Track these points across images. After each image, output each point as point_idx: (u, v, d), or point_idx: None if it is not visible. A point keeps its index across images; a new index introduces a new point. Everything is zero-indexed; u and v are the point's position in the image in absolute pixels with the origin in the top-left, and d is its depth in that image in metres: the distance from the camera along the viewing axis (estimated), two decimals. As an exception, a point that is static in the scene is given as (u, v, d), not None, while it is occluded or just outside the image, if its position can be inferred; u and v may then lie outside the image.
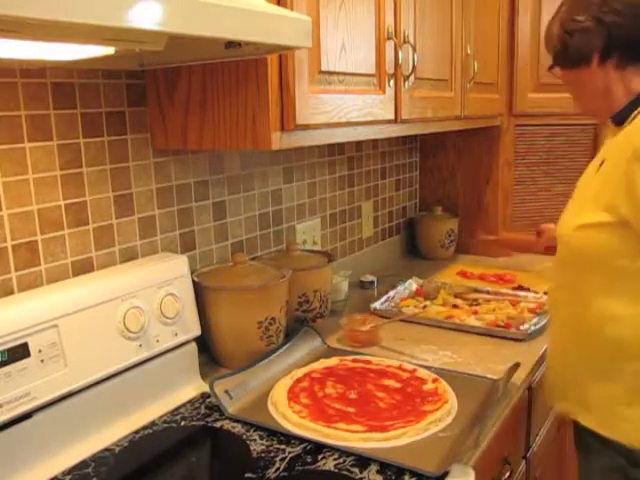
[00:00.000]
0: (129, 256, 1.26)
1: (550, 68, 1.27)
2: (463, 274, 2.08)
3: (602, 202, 1.10)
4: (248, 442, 1.05)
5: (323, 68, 1.17)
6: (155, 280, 1.18)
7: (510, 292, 1.83)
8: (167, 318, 1.19)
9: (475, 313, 1.65)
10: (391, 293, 1.79)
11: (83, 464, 1.01)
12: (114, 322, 1.10)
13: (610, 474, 1.17)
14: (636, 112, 1.14)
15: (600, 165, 1.15)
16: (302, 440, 1.05)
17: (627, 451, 1.12)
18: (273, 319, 1.33)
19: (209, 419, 1.14)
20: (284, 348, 1.36)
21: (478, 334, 1.53)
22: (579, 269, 1.16)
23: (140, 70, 1.22)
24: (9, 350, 0.94)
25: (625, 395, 1.13)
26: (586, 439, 1.21)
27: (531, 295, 1.78)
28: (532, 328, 1.51)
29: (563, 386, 1.25)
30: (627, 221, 1.06)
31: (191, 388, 1.25)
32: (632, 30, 1.12)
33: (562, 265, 1.23)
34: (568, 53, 1.20)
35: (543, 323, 1.55)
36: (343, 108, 1.23)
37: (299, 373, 1.27)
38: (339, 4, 1.20)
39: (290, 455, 1.01)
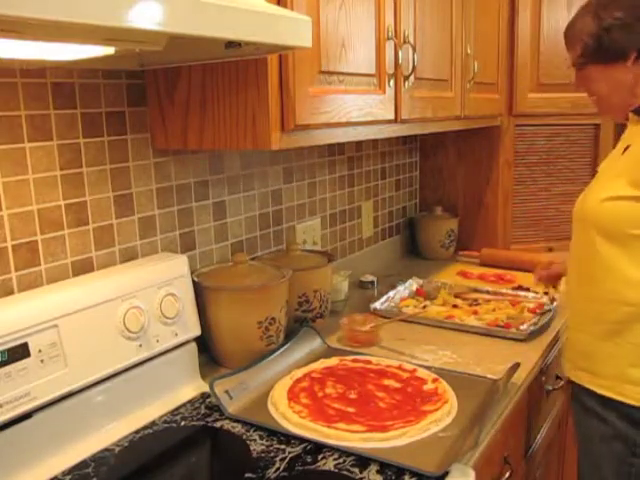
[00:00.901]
0: (129, 256, 1.26)
1: (577, 64, 1.28)
2: (463, 274, 2.08)
3: (630, 178, 1.16)
4: (248, 442, 1.05)
5: (323, 68, 1.17)
6: (155, 280, 1.18)
7: (510, 292, 1.83)
8: (167, 318, 1.19)
9: (475, 313, 1.65)
10: (391, 293, 1.79)
11: (83, 464, 1.01)
12: (114, 322, 1.10)
13: (610, 442, 1.24)
14: None
15: (625, 149, 1.22)
16: (302, 440, 1.05)
17: (629, 411, 1.20)
18: (273, 319, 1.33)
19: (209, 419, 1.14)
20: (284, 348, 1.36)
21: (478, 334, 1.53)
22: (603, 239, 1.21)
23: (140, 70, 1.22)
24: (9, 350, 0.94)
25: (631, 356, 1.20)
26: (588, 403, 1.28)
27: (531, 295, 1.78)
28: (532, 328, 1.51)
29: (576, 355, 1.32)
30: None
31: (191, 388, 1.25)
32: None
33: (583, 238, 1.27)
34: (604, 49, 1.22)
35: (543, 323, 1.55)
36: (343, 108, 1.23)
37: (299, 373, 1.27)
38: (339, 4, 1.20)
39: (290, 455, 1.01)
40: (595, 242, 1.22)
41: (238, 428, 1.10)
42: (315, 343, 1.43)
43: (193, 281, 1.28)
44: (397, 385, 1.22)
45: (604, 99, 1.29)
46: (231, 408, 1.15)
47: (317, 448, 1.02)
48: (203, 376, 1.29)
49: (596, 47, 1.23)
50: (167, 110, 1.23)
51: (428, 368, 1.29)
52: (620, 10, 1.20)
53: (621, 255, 1.19)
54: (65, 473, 0.98)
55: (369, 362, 1.33)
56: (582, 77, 1.30)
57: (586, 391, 1.28)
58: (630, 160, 1.20)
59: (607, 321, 1.23)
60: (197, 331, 1.27)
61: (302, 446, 1.03)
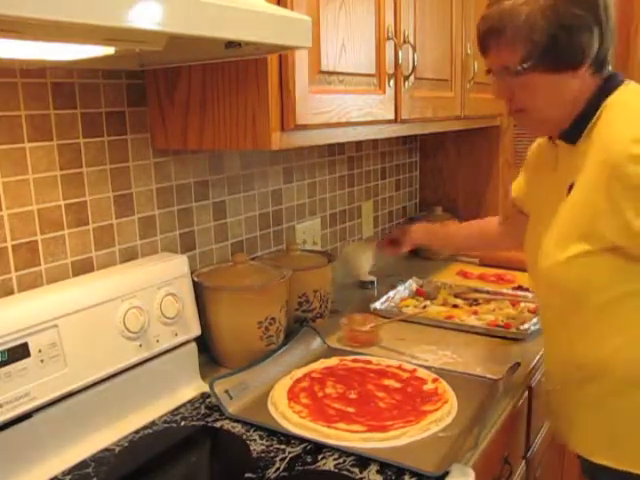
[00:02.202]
0: (129, 256, 1.26)
1: (513, 70, 1.02)
2: (463, 274, 2.08)
3: (581, 230, 1.00)
4: (248, 442, 1.05)
5: (323, 68, 1.17)
6: (155, 280, 1.18)
7: (510, 292, 1.83)
8: (167, 318, 1.19)
9: (475, 313, 1.65)
10: (391, 293, 1.79)
11: (83, 464, 1.01)
12: (114, 322, 1.10)
13: None
14: (588, 129, 1.03)
15: (569, 189, 1.03)
16: (302, 440, 1.05)
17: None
18: (273, 319, 1.33)
19: (209, 419, 1.14)
20: (284, 348, 1.36)
21: (478, 334, 1.53)
22: (569, 307, 1.07)
23: (140, 70, 1.22)
24: (9, 350, 0.94)
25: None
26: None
27: (531, 295, 1.78)
28: (532, 328, 1.51)
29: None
30: (615, 246, 0.97)
31: (191, 388, 1.25)
32: (610, 42, 1.04)
33: (551, 306, 1.14)
34: (559, 52, 1.00)
35: (543, 323, 1.55)
36: (343, 108, 1.23)
37: (299, 373, 1.27)
38: (339, 4, 1.20)
39: (290, 455, 1.01)
40: (564, 308, 1.08)
41: (238, 428, 1.10)
42: (315, 343, 1.43)
43: (193, 281, 1.28)
44: (397, 385, 1.22)
45: (538, 112, 1.07)
46: (231, 408, 1.15)
47: (317, 448, 1.02)
48: (203, 376, 1.29)
49: (548, 49, 0.99)
50: (167, 110, 1.23)
51: (428, 368, 1.29)
52: (580, 8, 0.98)
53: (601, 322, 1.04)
54: (65, 473, 0.98)
55: (369, 362, 1.33)
56: (516, 85, 1.05)
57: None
58: (579, 205, 1.01)
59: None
60: (197, 331, 1.27)
61: (302, 446, 1.03)
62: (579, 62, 1.01)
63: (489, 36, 1.06)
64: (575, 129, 1.06)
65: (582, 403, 1.11)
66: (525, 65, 1.01)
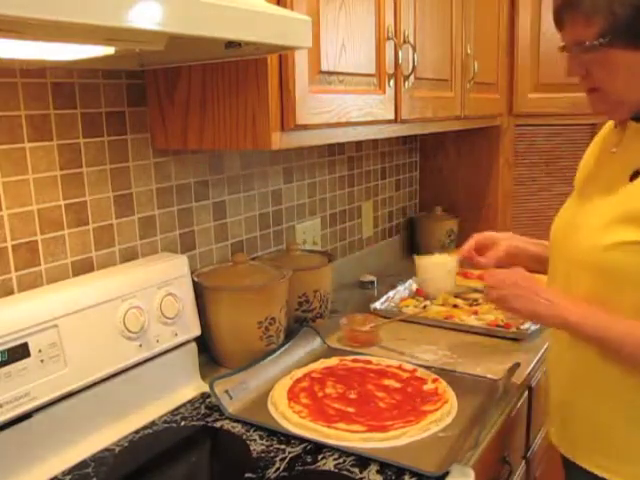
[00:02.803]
0: (129, 256, 1.26)
1: (590, 45, 0.93)
2: (463, 274, 2.07)
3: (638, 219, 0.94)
4: (248, 442, 1.05)
5: (323, 68, 1.17)
6: (155, 280, 1.18)
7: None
8: (167, 318, 1.19)
9: (475, 313, 1.65)
10: (391, 293, 1.79)
11: (83, 464, 1.01)
12: (114, 322, 1.10)
13: None
14: None
15: (634, 175, 0.97)
16: (302, 440, 1.05)
17: None
18: (273, 319, 1.33)
19: (209, 419, 1.14)
20: (284, 348, 1.36)
21: (478, 334, 1.53)
22: (615, 291, 0.99)
23: (140, 70, 1.22)
24: (9, 350, 0.94)
25: None
26: None
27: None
28: (532, 328, 1.51)
29: (591, 437, 1.07)
30: None
31: (191, 388, 1.25)
32: None
33: (591, 291, 1.04)
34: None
35: (543, 323, 1.55)
36: (343, 108, 1.23)
37: (299, 373, 1.27)
38: (339, 4, 1.20)
39: (290, 455, 1.01)
40: (607, 293, 0.99)
41: (238, 428, 1.10)
42: (315, 343, 1.43)
43: (193, 281, 1.28)
44: (397, 385, 1.22)
45: (615, 92, 0.98)
46: (231, 408, 1.15)
47: (317, 448, 1.02)
48: (203, 376, 1.29)
49: (631, 23, 0.89)
50: (167, 110, 1.23)
51: (428, 368, 1.29)
52: None
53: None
54: (65, 473, 0.98)
55: (369, 362, 1.33)
56: (591, 62, 0.96)
57: None
58: None
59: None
60: (197, 331, 1.27)
61: (302, 446, 1.03)
62: None
63: (564, 9, 0.97)
64: None
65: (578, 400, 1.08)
66: (602, 40, 0.92)
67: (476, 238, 1.32)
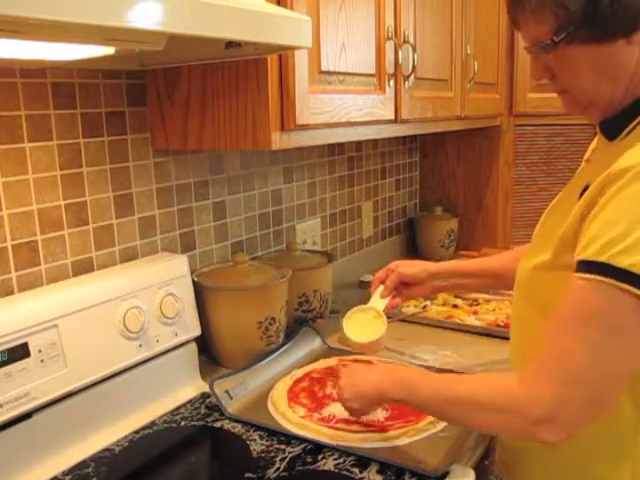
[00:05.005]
0: (129, 256, 1.26)
1: (544, 44, 0.84)
2: (463, 274, 2.07)
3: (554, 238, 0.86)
4: (248, 442, 1.05)
5: (323, 68, 1.17)
6: (155, 280, 1.18)
7: (510, 292, 1.82)
8: (167, 318, 1.18)
9: (475, 313, 1.65)
10: (391, 293, 1.79)
11: (83, 464, 1.01)
12: (114, 322, 1.10)
13: None
14: (633, 124, 0.85)
15: (583, 191, 0.84)
16: (302, 440, 1.05)
17: None
18: (273, 319, 1.33)
19: (209, 419, 1.14)
20: (284, 348, 1.36)
21: (478, 334, 1.53)
22: (538, 317, 0.90)
23: (140, 70, 1.22)
24: (9, 350, 0.94)
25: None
26: None
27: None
28: (532, 328, 1.51)
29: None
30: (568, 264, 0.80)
31: (191, 388, 1.25)
32: None
33: (521, 311, 1.00)
34: (604, 16, 0.79)
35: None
36: (343, 108, 1.23)
37: (299, 373, 1.27)
38: (339, 4, 1.20)
39: (290, 455, 1.01)
40: (533, 319, 0.92)
41: (238, 428, 1.10)
42: (315, 343, 1.43)
43: (193, 281, 1.28)
44: (397, 385, 1.22)
45: (583, 92, 0.87)
46: (231, 408, 1.15)
47: (317, 448, 1.02)
48: (203, 376, 1.29)
49: (587, 15, 0.79)
50: (167, 110, 1.23)
51: (428, 368, 1.29)
52: None
53: None
54: (65, 473, 0.98)
55: (369, 362, 1.32)
56: (552, 62, 0.87)
57: None
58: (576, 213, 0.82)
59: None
60: (197, 331, 1.27)
61: (302, 446, 1.03)
62: (633, 27, 0.80)
63: (513, 7, 0.89)
64: (618, 120, 0.86)
65: None
66: (556, 38, 0.82)
67: (389, 288, 1.27)
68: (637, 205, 0.74)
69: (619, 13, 0.78)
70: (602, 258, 0.74)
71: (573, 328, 0.77)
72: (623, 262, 0.72)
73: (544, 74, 0.90)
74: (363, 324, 1.27)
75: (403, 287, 1.26)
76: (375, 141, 2.13)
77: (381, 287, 1.27)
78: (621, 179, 0.75)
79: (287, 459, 1.00)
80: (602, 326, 0.75)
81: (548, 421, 0.77)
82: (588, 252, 0.76)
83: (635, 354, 0.77)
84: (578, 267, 0.77)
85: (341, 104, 1.22)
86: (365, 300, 1.80)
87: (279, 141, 1.11)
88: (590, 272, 0.75)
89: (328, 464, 0.98)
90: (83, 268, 1.17)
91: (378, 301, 1.25)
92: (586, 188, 0.83)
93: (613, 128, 0.88)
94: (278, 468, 0.97)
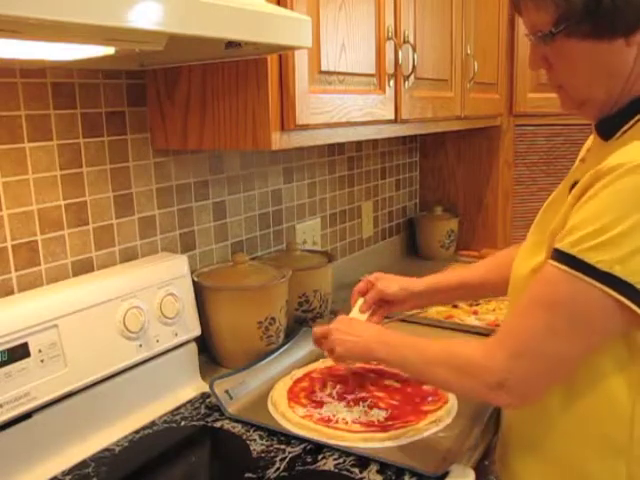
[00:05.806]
0: (129, 256, 1.26)
1: (543, 34, 0.83)
2: (463, 274, 2.07)
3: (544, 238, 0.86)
4: (248, 442, 1.05)
5: (323, 68, 1.17)
6: (155, 280, 1.18)
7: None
8: (167, 318, 1.19)
9: (475, 313, 1.65)
10: (391, 293, 1.79)
11: (83, 464, 1.01)
12: (114, 322, 1.10)
13: None
14: (630, 123, 0.84)
15: (572, 187, 0.85)
16: (302, 440, 1.05)
17: None
18: (273, 319, 1.33)
19: (209, 419, 1.14)
20: (284, 348, 1.36)
21: (478, 334, 1.53)
22: None
23: (140, 70, 1.22)
24: (9, 350, 0.94)
25: None
26: None
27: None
28: (532, 328, 1.51)
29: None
30: None
31: (191, 388, 1.25)
32: None
33: None
34: (602, 15, 0.78)
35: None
36: (343, 108, 1.23)
37: (299, 373, 1.27)
38: (339, 4, 1.20)
39: (290, 455, 1.01)
40: None
41: (238, 428, 1.10)
42: (315, 343, 1.43)
43: (193, 281, 1.28)
44: (397, 385, 1.22)
45: (578, 90, 0.87)
46: (231, 408, 1.15)
47: (317, 448, 1.02)
48: (203, 376, 1.29)
49: (589, 10, 0.77)
50: (167, 110, 1.23)
51: (428, 368, 1.29)
52: None
53: None
54: (65, 473, 0.98)
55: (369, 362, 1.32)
56: (551, 54, 0.85)
57: None
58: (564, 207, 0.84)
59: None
60: (197, 331, 1.27)
61: (302, 446, 1.03)
62: (633, 27, 0.79)
63: None
64: (613, 120, 0.86)
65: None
66: (555, 29, 0.81)
67: (368, 304, 1.23)
68: (619, 202, 0.76)
69: (621, 10, 0.77)
70: (573, 251, 0.77)
71: (538, 311, 0.81)
72: (593, 258, 0.76)
73: (541, 64, 0.89)
74: None
75: (384, 303, 1.24)
76: (375, 141, 2.13)
77: (361, 300, 1.24)
78: (608, 175, 0.77)
79: (287, 459, 1.00)
80: (565, 314, 0.79)
81: (499, 387, 0.83)
82: (564, 242, 0.79)
83: (592, 343, 0.81)
84: (553, 254, 0.81)
85: (341, 104, 1.22)
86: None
87: (279, 141, 1.11)
88: (561, 262, 0.79)
89: (328, 464, 0.98)
90: (83, 268, 1.17)
91: (357, 315, 1.22)
92: (575, 184, 0.84)
93: (608, 128, 0.88)
94: (278, 468, 0.97)
